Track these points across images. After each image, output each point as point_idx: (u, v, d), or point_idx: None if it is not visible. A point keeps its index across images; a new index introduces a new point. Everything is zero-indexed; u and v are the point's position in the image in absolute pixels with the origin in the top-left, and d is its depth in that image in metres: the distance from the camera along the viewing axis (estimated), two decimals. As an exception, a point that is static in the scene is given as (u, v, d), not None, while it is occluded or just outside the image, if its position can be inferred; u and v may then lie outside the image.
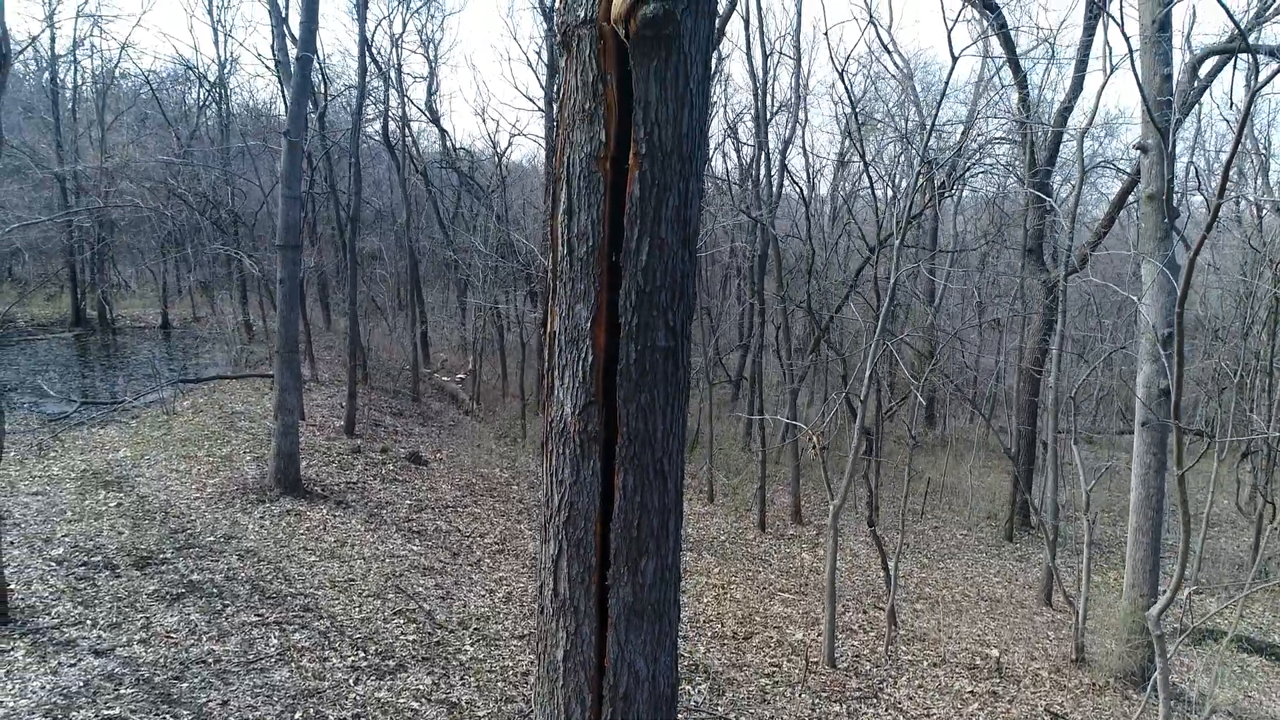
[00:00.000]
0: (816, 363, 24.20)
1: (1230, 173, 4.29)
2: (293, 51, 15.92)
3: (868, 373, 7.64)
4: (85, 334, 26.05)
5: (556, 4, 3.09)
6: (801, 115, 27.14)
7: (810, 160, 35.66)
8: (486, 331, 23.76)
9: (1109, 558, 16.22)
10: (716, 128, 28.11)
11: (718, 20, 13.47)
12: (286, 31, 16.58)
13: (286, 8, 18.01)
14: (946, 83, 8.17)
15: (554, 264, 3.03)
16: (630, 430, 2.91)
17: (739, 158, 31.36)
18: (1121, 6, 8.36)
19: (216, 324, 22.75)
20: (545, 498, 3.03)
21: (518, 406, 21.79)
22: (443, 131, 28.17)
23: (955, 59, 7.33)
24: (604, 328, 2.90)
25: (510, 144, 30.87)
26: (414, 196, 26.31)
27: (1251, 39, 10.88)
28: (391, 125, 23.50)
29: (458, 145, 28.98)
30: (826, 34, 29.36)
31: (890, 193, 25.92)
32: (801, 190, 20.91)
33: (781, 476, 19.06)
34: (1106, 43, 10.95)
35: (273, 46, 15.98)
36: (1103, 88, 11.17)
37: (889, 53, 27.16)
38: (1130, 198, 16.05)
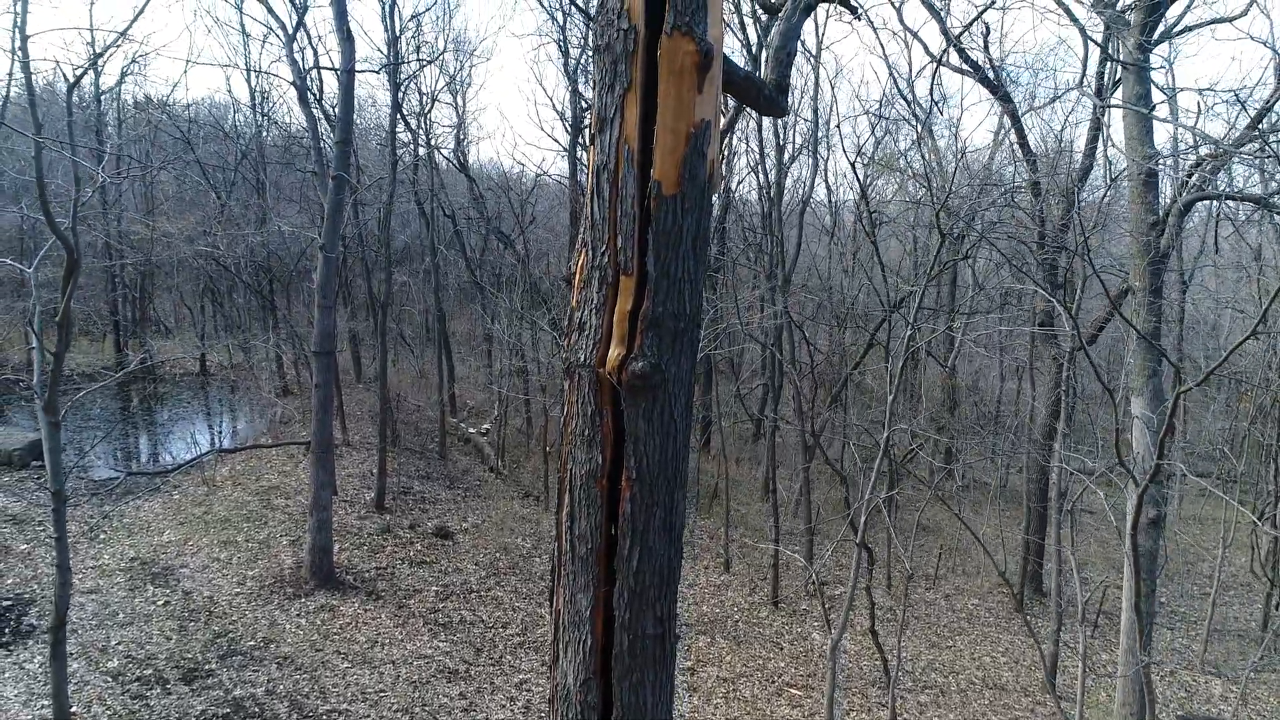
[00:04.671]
0: (837, 407, 24.49)
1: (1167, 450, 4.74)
2: (328, 134, 16.70)
3: (863, 519, 8.14)
4: (128, 381, 27.10)
5: (563, 341, 3.67)
6: (822, 151, 27.60)
7: (832, 195, 35.90)
8: (511, 381, 24.41)
9: (1119, 628, 16.46)
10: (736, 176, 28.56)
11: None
12: (319, 117, 17.34)
13: (320, 91, 18.80)
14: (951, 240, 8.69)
15: (558, 554, 3.65)
16: (624, 704, 3.53)
17: (761, 198, 31.83)
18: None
19: (255, 384, 23.63)
20: (551, 751, 3.65)
21: (541, 457, 22.38)
22: (471, 180, 28.88)
23: (947, 266, 7.85)
24: (601, 616, 3.52)
25: (535, 184, 31.26)
26: (440, 224, 26.95)
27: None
28: (417, 158, 24.36)
29: (484, 191, 29.60)
30: (838, 126, 29.63)
31: (912, 239, 26.32)
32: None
33: (801, 532, 19.42)
34: (1107, 158, 11.37)
35: (305, 128, 16.76)
36: (1102, 199, 11.53)
37: (907, 103, 27.43)
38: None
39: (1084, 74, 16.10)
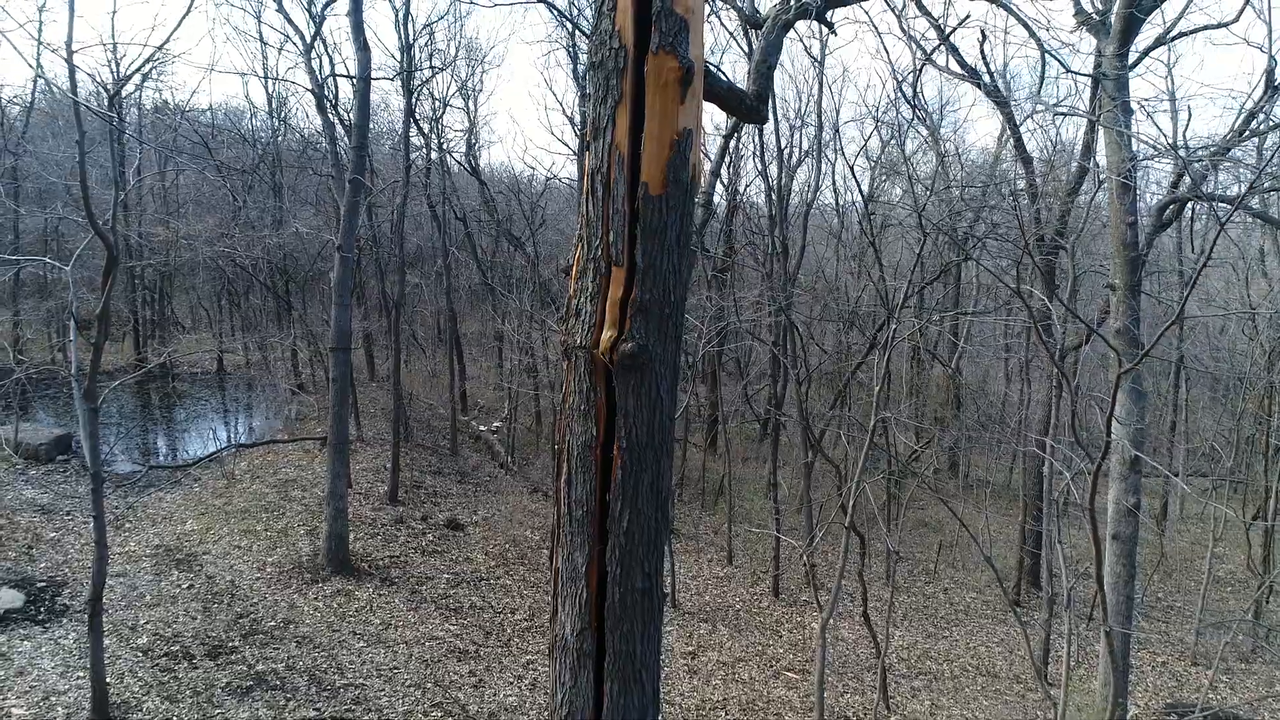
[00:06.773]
0: (841, 404, 24.80)
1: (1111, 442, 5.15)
2: (344, 138, 17.24)
3: (851, 503, 8.59)
4: (147, 380, 27.76)
5: (562, 325, 4.15)
6: (825, 160, 28.01)
7: (838, 199, 36.22)
8: (521, 379, 24.92)
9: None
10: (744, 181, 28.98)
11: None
12: (335, 122, 17.88)
13: (336, 97, 19.37)
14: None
15: (557, 518, 4.15)
16: (616, 650, 4.01)
17: (766, 200, 32.15)
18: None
19: (271, 382, 24.26)
20: (550, 694, 4.14)
21: (550, 453, 22.87)
22: (482, 184, 29.44)
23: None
24: (595, 572, 4.00)
25: (545, 187, 31.78)
26: (452, 226, 27.51)
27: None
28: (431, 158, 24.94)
29: (495, 194, 30.15)
30: (836, 131, 29.96)
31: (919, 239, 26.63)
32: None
33: (803, 527, 19.78)
34: (1095, 163, 11.77)
35: (321, 132, 17.33)
36: (1092, 197, 11.93)
37: (912, 107, 27.77)
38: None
39: (1040, 86, 16.79)
